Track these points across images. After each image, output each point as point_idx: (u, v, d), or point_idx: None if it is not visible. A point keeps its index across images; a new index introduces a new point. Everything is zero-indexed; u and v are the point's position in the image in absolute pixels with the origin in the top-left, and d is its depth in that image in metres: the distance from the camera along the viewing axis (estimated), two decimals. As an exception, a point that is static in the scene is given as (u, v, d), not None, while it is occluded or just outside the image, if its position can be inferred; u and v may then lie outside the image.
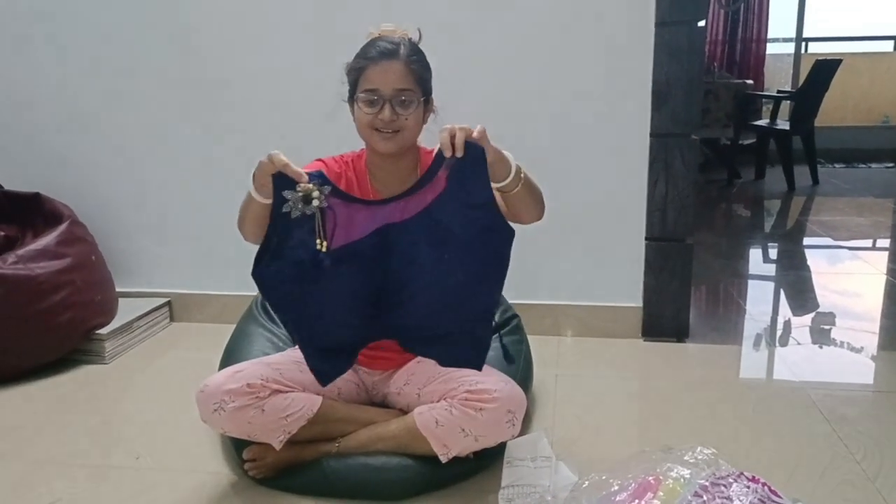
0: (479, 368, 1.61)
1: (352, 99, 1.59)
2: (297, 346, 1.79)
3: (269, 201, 1.45)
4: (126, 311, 2.59)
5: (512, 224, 1.55)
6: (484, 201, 1.48)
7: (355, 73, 1.56)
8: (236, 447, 1.67)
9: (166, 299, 2.76)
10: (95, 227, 2.62)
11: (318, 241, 1.45)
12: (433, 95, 1.62)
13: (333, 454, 1.61)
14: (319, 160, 1.65)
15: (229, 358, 1.90)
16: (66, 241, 2.43)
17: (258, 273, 1.52)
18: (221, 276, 2.73)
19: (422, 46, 1.60)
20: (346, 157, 1.68)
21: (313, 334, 1.59)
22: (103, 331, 2.44)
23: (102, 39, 2.60)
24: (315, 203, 1.43)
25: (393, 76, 1.51)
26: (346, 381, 1.71)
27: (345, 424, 1.63)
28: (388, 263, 1.53)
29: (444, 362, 1.64)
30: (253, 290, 2.25)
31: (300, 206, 1.43)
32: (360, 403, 1.73)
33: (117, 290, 2.65)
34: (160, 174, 2.69)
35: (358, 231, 1.50)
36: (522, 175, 1.50)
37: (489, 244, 1.52)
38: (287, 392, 1.54)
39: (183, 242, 2.74)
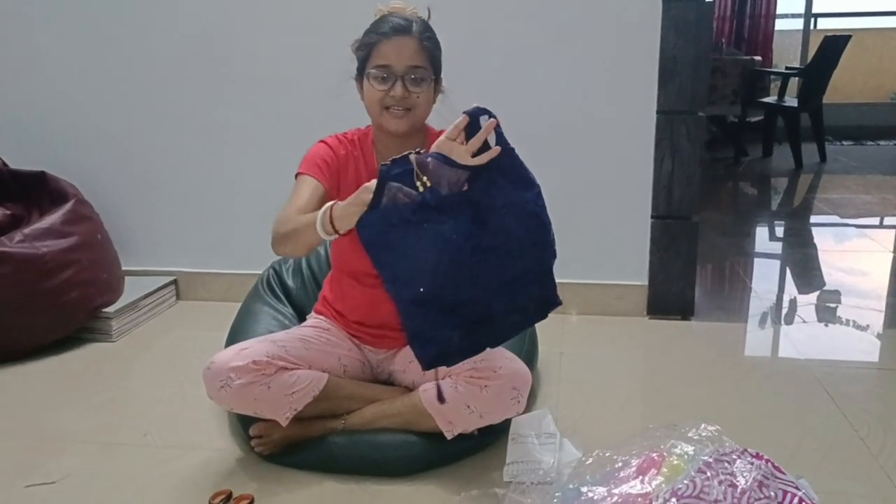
0: (558, 302, 1.50)
1: (360, 76, 1.57)
2: (303, 324, 1.80)
3: (337, 236, 1.39)
4: (132, 289, 2.60)
5: None
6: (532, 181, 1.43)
7: (366, 49, 1.54)
8: (242, 424, 1.68)
9: (172, 278, 2.77)
10: (101, 205, 2.62)
11: (417, 182, 1.35)
12: (442, 75, 1.61)
13: (339, 431, 1.62)
14: (322, 142, 1.64)
15: (235, 336, 1.91)
16: (72, 219, 2.43)
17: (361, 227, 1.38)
18: (227, 254, 2.74)
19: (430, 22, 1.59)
20: (349, 136, 1.66)
21: (403, 291, 1.43)
22: (110, 309, 2.45)
23: (107, 19, 2.59)
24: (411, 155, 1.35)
25: (406, 53, 1.50)
26: (351, 358, 1.72)
27: (350, 401, 1.64)
28: (467, 225, 1.40)
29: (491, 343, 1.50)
30: (258, 269, 2.27)
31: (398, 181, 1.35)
32: (366, 381, 1.74)
33: (123, 268, 2.66)
34: (167, 153, 2.69)
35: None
36: None
37: (539, 229, 1.44)
38: (293, 369, 1.55)
39: (189, 221, 2.74)
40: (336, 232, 1.37)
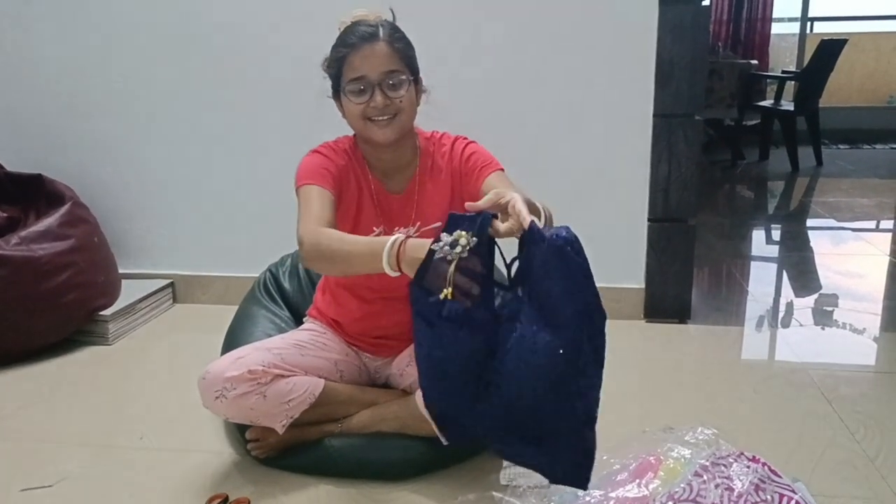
0: (584, 487, 1.30)
1: (336, 93, 1.53)
2: (298, 329, 1.80)
3: (397, 274, 1.30)
4: (129, 292, 2.59)
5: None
6: (583, 277, 1.19)
7: (337, 65, 1.49)
8: (239, 428, 1.67)
9: (169, 280, 2.76)
10: (98, 208, 2.62)
11: (444, 289, 1.25)
12: (422, 75, 1.57)
13: (336, 434, 1.62)
14: (316, 152, 1.58)
15: (232, 339, 1.90)
16: (69, 222, 2.43)
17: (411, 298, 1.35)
18: (224, 257, 2.74)
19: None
20: (342, 146, 1.61)
21: (432, 383, 1.39)
22: (106, 312, 2.44)
23: (104, 22, 2.59)
24: (458, 249, 1.22)
25: (378, 59, 1.45)
26: (347, 363, 1.71)
27: (347, 406, 1.64)
28: (496, 336, 1.28)
29: (545, 472, 1.35)
30: (255, 272, 2.27)
31: (446, 249, 1.23)
32: (363, 384, 1.74)
33: (120, 271, 2.65)
34: (163, 155, 2.69)
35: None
36: (549, 220, 1.34)
37: (586, 327, 1.22)
38: (289, 377, 1.54)
39: (186, 224, 2.74)
40: (399, 271, 1.28)
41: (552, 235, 1.15)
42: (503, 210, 1.21)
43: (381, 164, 1.60)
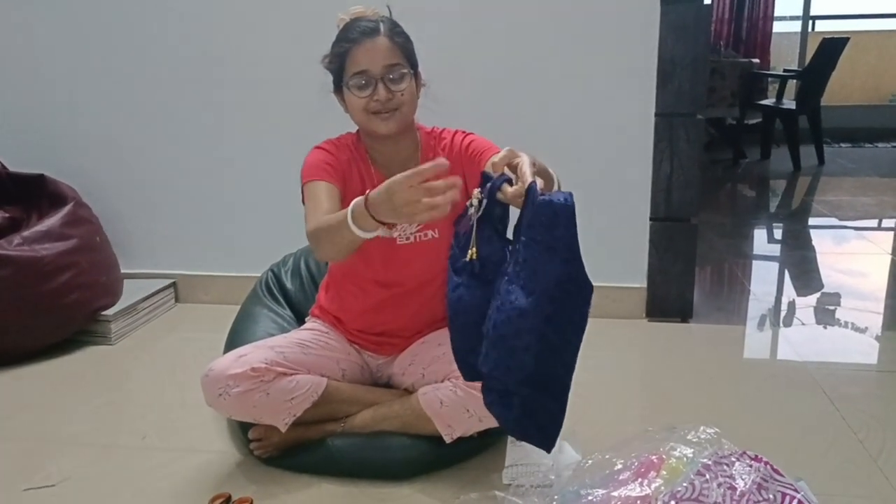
0: (549, 450, 1.30)
1: (339, 87, 1.55)
2: (301, 328, 1.80)
3: (373, 235, 1.27)
4: (131, 292, 2.60)
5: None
6: (567, 245, 1.17)
7: (339, 60, 1.51)
8: (242, 427, 1.68)
9: (171, 280, 2.77)
10: (100, 208, 2.62)
11: (470, 249, 1.25)
12: (422, 69, 1.59)
13: (338, 434, 1.62)
14: (319, 148, 1.60)
15: (234, 339, 1.91)
16: (71, 222, 2.43)
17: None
18: (226, 256, 2.74)
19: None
20: (344, 141, 1.64)
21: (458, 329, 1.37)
22: (109, 312, 2.45)
23: (106, 23, 2.59)
24: (471, 209, 1.24)
25: (380, 54, 1.48)
26: (350, 362, 1.72)
27: (350, 405, 1.64)
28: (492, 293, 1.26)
29: (512, 429, 1.35)
30: (257, 271, 2.27)
31: (469, 207, 1.24)
32: (365, 384, 1.74)
33: (122, 271, 2.65)
34: (165, 155, 2.69)
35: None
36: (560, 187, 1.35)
37: (570, 298, 1.19)
38: (291, 375, 1.55)
39: (188, 223, 2.74)
40: (376, 221, 1.22)
41: (545, 197, 1.13)
42: (514, 170, 1.19)
43: (384, 158, 1.61)
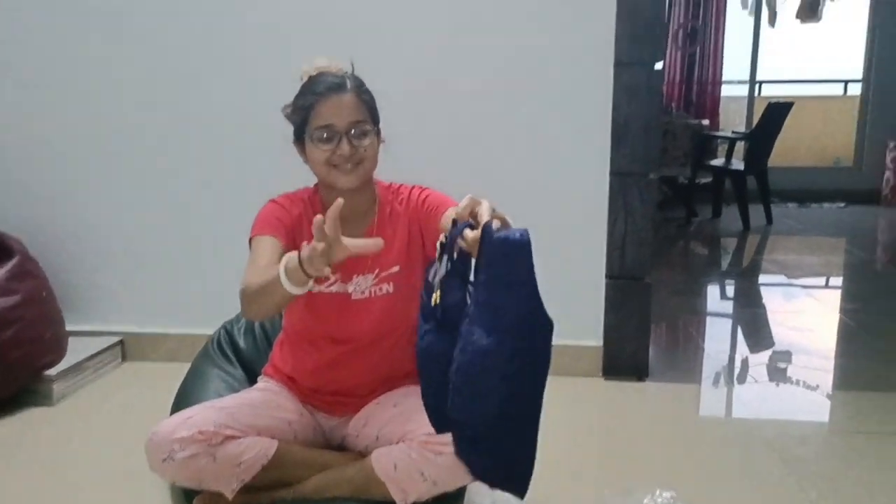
0: (522, 495, 1.29)
1: (299, 139, 1.56)
2: (252, 388, 1.75)
3: (304, 290, 1.29)
4: (77, 350, 2.51)
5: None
6: (525, 281, 1.17)
7: (303, 112, 1.52)
8: (186, 494, 1.61)
9: (119, 338, 2.68)
10: (47, 261, 2.55)
11: (434, 293, 1.27)
12: (382, 125, 1.59)
13: (289, 500, 1.56)
14: (273, 202, 1.60)
15: (182, 400, 1.84)
16: (17, 276, 2.35)
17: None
18: (177, 313, 2.67)
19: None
20: (300, 195, 1.64)
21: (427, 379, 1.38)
22: (52, 371, 2.36)
23: (54, 72, 2.57)
24: (437, 253, 1.26)
25: (346, 109, 1.49)
26: (302, 423, 1.67)
27: (301, 469, 1.59)
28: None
29: (485, 476, 1.34)
30: (209, 329, 2.22)
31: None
32: (318, 446, 1.69)
33: (68, 328, 2.57)
34: (115, 209, 2.64)
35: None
36: None
37: (530, 333, 1.19)
38: (241, 437, 1.50)
39: (137, 279, 2.68)
40: (306, 275, 1.24)
41: (501, 234, 1.14)
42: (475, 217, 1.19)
43: (341, 212, 1.60)
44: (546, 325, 1.18)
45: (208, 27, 2.51)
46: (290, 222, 1.57)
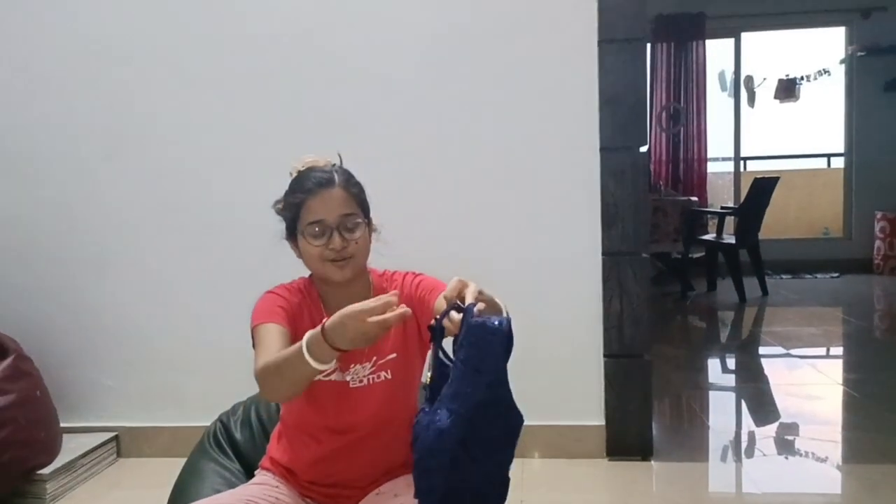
0: None
1: (292, 235, 1.58)
2: (249, 483, 1.72)
3: (330, 366, 1.28)
4: (70, 447, 2.46)
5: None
6: (494, 369, 1.18)
7: (294, 209, 1.55)
8: None
9: (113, 433, 2.64)
10: (40, 357, 2.53)
11: (427, 374, 1.28)
12: (373, 215, 1.62)
13: None
14: (271, 292, 1.60)
15: (178, 496, 1.80)
16: (11, 376, 2.33)
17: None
18: (172, 407, 2.64)
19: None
20: (296, 285, 1.65)
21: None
22: (45, 471, 2.31)
23: (45, 166, 2.63)
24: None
25: (335, 203, 1.52)
26: (302, 517, 1.63)
27: (301, 565, 1.54)
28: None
29: None
30: (205, 422, 2.18)
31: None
32: (317, 541, 1.64)
33: (62, 424, 2.53)
34: (109, 303, 2.65)
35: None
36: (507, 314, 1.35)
37: (491, 422, 1.21)
38: (238, 535, 1.46)
39: (131, 372, 2.66)
40: (332, 349, 1.23)
41: (479, 319, 1.14)
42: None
43: (336, 301, 1.61)
44: (513, 419, 1.20)
45: (207, 125, 2.58)
46: (291, 310, 1.57)
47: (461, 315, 1.17)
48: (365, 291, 1.64)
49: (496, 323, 1.14)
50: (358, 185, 1.60)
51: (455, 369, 1.17)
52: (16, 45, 2.61)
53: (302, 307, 1.60)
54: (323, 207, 1.51)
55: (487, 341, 1.14)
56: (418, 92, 2.51)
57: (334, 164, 1.60)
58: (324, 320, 1.26)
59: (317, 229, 1.51)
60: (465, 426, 1.15)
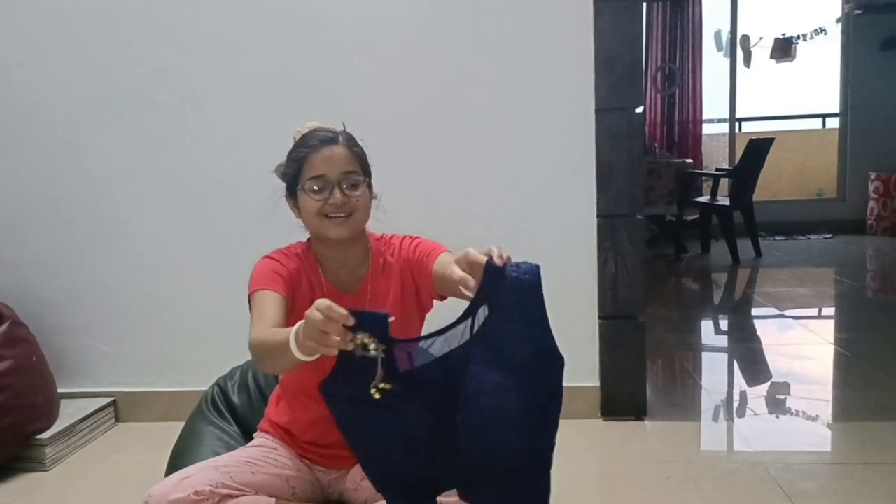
0: None
1: (292, 192, 1.58)
2: (248, 445, 1.73)
3: (314, 358, 1.25)
4: (68, 413, 2.48)
5: None
6: (539, 318, 1.25)
7: (296, 164, 1.55)
8: (184, 556, 1.57)
9: (111, 399, 2.65)
10: (37, 325, 2.53)
11: (371, 388, 1.22)
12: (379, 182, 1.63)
13: (287, 558, 1.53)
14: (268, 257, 1.60)
15: (177, 459, 1.81)
16: (6, 342, 2.33)
17: (323, 387, 1.33)
18: (169, 371, 2.65)
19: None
20: (294, 250, 1.64)
21: (374, 465, 1.38)
22: (44, 435, 2.32)
23: (38, 135, 2.60)
24: (372, 352, 1.19)
25: (338, 160, 1.53)
26: (300, 479, 1.65)
27: (300, 525, 1.56)
28: (448, 395, 1.28)
29: None
30: (202, 386, 2.20)
31: (359, 351, 1.19)
32: (316, 501, 1.67)
33: (60, 390, 2.54)
34: (104, 269, 2.64)
35: (417, 362, 1.29)
36: None
37: (545, 369, 1.27)
38: (238, 496, 1.47)
39: (128, 338, 2.67)
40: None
41: (513, 272, 1.19)
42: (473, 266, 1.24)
43: (334, 266, 1.62)
44: (559, 360, 1.26)
45: (198, 91, 2.55)
46: (289, 276, 1.57)
47: (462, 274, 1.21)
48: (363, 255, 1.64)
49: (533, 270, 1.20)
50: (360, 146, 1.61)
51: (497, 327, 1.20)
52: (2, 11, 2.56)
53: (300, 272, 1.60)
54: (325, 163, 1.53)
55: (531, 291, 1.20)
56: (411, 54, 2.48)
57: (340, 128, 1.60)
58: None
59: (318, 185, 1.52)
60: (527, 380, 1.22)
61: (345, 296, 1.61)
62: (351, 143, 1.57)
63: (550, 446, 1.29)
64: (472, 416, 1.21)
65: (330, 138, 1.55)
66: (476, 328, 1.25)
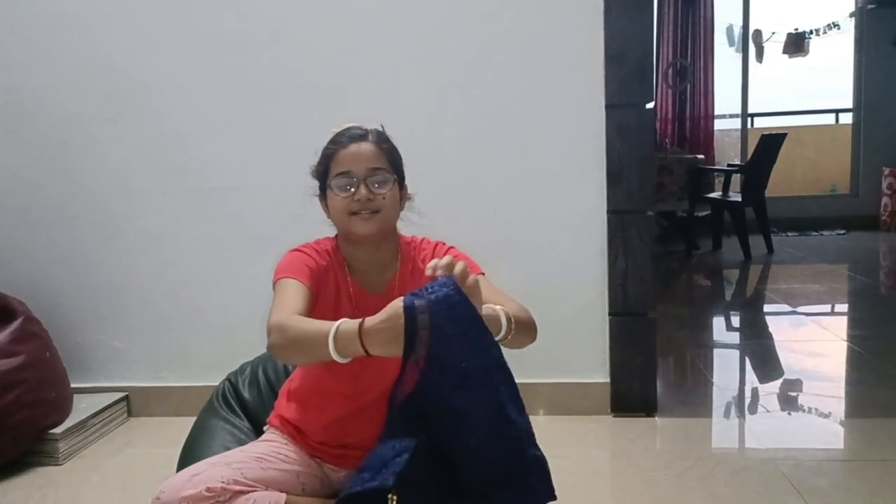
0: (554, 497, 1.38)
1: (322, 190, 1.58)
2: (258, 440, 1.74)
3: (346, 360, 1.27)
4: (81, 407, 2.50)
5: None
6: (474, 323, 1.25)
7: (325, 161, 1.55)
8: (196, 551, 1.58)
9: (124, 393, 2.67)
10: (50, 320, 2.55)
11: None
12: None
13: (299, 553, 1.53)
14: (297, 250, 1.59)
15: (188, 454, 1.82)
16: (20, 338, 2.35)
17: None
18: (181, 367, 2.67)
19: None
20: (324, 246, 1.62)
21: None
22: (57, 430, 2.34)
23: (53, 130, 2.61)
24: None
25: (364, 156, 1.52)
26: (310, 475, 1.65)
27: (310, 521, 1.57)
28: (430, 429, 1.32)
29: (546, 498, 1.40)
30: (214, 381, 2.21)
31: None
32: (326, 497, 1.67)
33: (72, 385, 2.56)
34: (117, 265, 2.66)
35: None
36: (513, 325, 1.38)
37: (499, 360, 1.29)
38: (249, 492, 1.47)
39: (141, 333, 2.68)
40: (366, 352, 1.23)
41: (430, 289, 1.20)
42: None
43: (362, 265, 1.60)
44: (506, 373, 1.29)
45: (211, 89, 2.55)
46: (318, 271, 1.55)
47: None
48: (392, 256, 1.62)
49: (452, 290, 1.20)
50: (392, 146, 1.59)
51: (450, 359, 1.22)
52: (13, 5, 2.58)
53: (328, 270, 1.57)
54: (352, 159, 1.52)
55: (459, 312, 1.20)
56: (423, 49, 2.48)
57: (374, 127, 1.59)
58: (363, 319, 1.24)
59: (344, 181, 1.51)
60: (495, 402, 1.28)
61: (371, 297, 1.60)
62: (381, 140, 1.56)
63: (529, 450, 1.36)
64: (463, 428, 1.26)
65: (359, 135, 1.54)
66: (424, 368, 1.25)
